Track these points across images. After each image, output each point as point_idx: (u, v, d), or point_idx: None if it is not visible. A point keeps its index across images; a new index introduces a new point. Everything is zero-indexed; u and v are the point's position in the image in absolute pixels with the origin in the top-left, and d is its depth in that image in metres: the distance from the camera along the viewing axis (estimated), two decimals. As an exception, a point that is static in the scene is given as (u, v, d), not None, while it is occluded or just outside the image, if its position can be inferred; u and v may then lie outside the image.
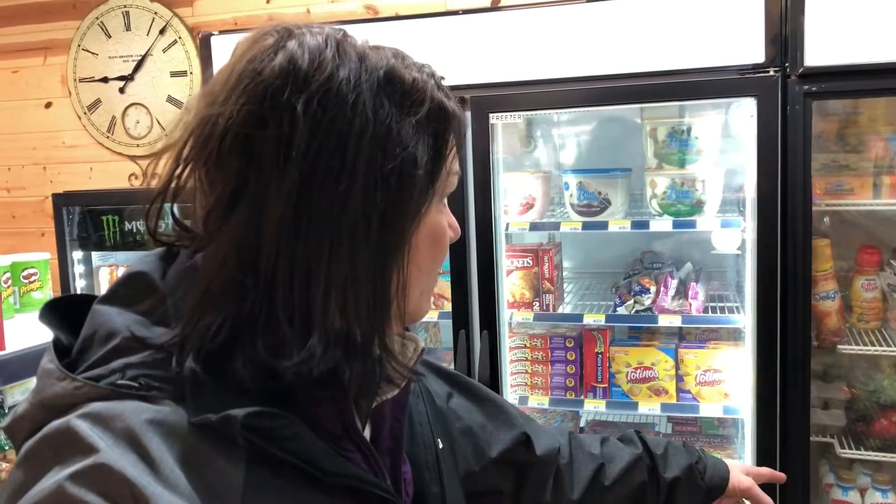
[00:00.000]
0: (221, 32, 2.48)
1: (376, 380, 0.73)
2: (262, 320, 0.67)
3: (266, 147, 0.66)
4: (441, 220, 0.78)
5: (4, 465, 1.52)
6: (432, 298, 0.83)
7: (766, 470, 1.34)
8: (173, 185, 0.72)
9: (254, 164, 0.67)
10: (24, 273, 1.63)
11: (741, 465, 1.33)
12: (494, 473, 1.07)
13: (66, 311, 0.75)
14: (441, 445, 0.93)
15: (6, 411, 1.48)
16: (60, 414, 0.64)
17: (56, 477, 0.59)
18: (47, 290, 1.66)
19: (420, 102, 0.72)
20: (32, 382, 1.56)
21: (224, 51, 2.63)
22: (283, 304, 0.67)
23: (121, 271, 2.92)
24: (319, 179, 0.67)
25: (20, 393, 1.47)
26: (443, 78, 0.77)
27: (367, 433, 0.80)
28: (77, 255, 2.93)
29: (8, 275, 1.58)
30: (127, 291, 0.73)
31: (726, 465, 1.27)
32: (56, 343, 0.72)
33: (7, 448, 1.52)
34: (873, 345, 2.25)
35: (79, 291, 2.89)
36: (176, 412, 0.65)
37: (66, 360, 0.69)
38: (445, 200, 0.80)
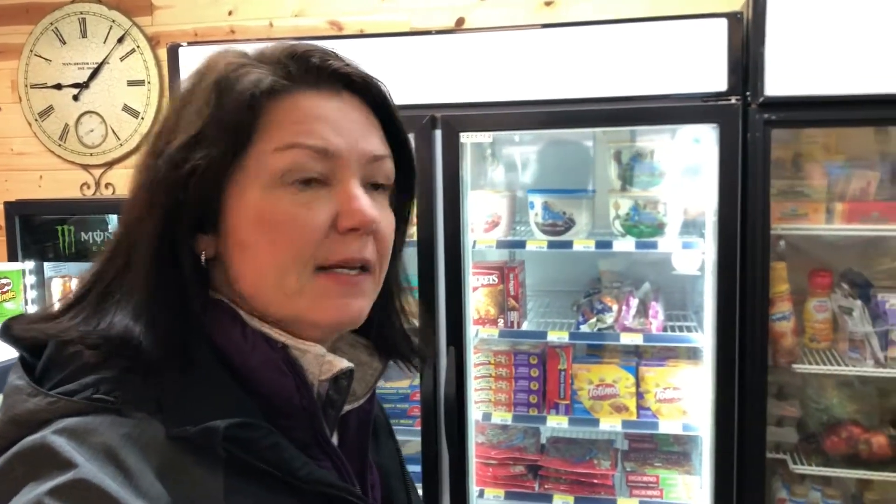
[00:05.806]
0: (190, 44, 2.46)
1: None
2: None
3: None
4: (270, 203, 0.72)
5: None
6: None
7: None
8: None
9: None
10: (-3, 284, 1.58)
11: None
12: None
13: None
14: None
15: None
16: (32, 430, 0.63)
17: (34, 492, 0.58)
18: (20, 301, 1.61)
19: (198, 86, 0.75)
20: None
21: (192, 62, 2.61)
22: None
23: (74, 283, 2.81)
24: None
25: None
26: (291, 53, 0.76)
27: (334, 441, 0.81)
28: (28, 265, 2.84)
29: (-20, 285, 1.53)
30: None
31: None
32: (21, 361, 0.71)
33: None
34: (825, 364, 2.34)
35: (30, 302, 2.80)
36: (152, 425, 0.65)
37: (32, 378, 0.68)
38: (302, 185, 0.73)
